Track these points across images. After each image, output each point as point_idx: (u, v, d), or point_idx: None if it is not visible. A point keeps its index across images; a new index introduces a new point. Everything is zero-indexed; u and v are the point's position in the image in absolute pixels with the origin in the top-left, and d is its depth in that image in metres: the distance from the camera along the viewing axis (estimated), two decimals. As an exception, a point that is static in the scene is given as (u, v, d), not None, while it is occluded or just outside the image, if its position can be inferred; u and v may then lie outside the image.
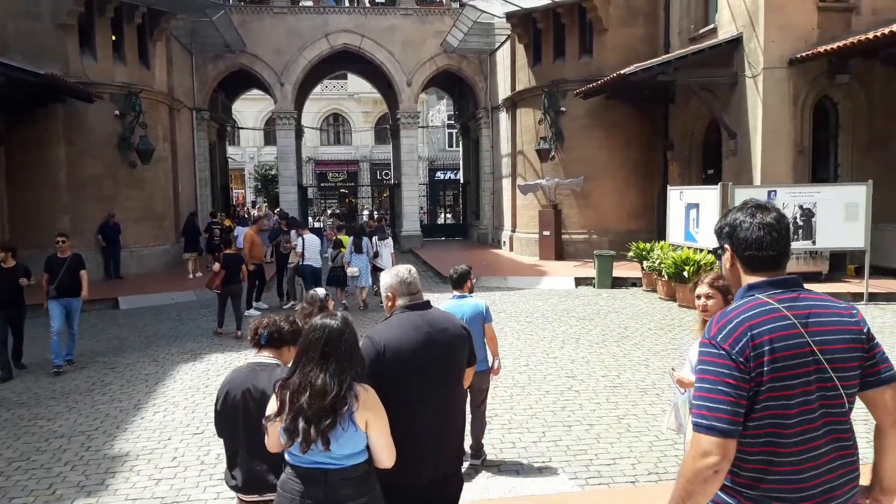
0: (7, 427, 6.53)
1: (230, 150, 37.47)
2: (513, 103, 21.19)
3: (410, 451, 2.72)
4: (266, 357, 3.11)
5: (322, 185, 42.04)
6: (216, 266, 10.54)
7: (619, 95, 18.02)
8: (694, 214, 13.78)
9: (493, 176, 24.19)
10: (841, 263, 14.13)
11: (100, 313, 13.11)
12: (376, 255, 13.20)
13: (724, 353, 1.86)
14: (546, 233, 18.50)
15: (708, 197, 13.42)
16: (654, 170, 18.87)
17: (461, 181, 31.21)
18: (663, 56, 16.47)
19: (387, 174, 40.52)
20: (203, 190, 23.36)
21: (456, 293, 5.37)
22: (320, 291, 4.68)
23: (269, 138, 38.95)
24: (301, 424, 2.44)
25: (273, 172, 37.49)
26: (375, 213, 25.04)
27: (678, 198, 14.37)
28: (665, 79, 15.21)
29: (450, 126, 41.98)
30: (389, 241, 13.83)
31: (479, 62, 24.21)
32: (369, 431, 2.52)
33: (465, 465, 4.90)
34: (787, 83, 14.29)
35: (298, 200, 25.05)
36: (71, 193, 16.74)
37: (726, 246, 2.07)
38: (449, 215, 33.99)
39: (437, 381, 2.93)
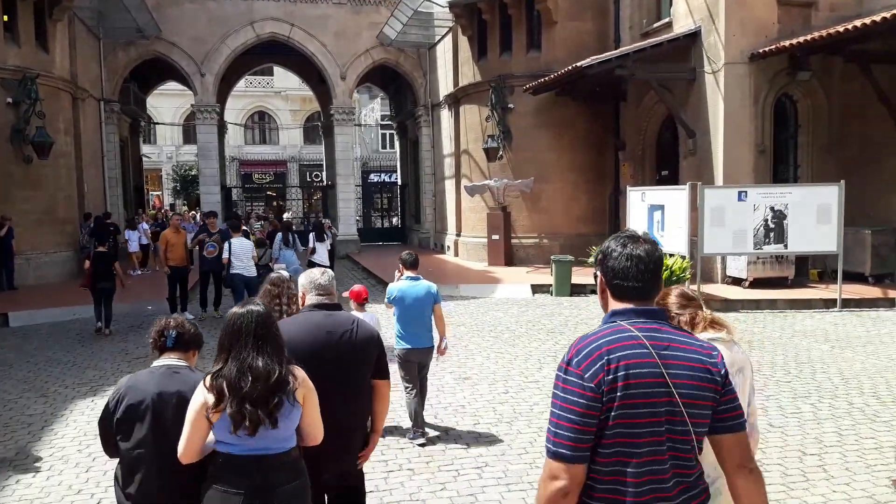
0: None
1: (146, 149, 34.76)
2: (456, 100, 20.00)
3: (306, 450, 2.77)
4: (174, 360, 2.84)
5: (247, 186, 39.68)
6: (86, 263, 10.51)
7: (570, 92, 17.14)
8: (658, 217, 12.93)
9: (435, 177, 22.91)
10: (804, 268, 13.60)
11: (-20, 333, 11.03)
12: (313, 251, 13.29)
13: (577, 378, 1.86)
14: (495, 237, 17.37)
15: (674, 198, 12.60)
16: (606, 171, 18.06)
17: (398, 183, 29.78)
18: (621, 49, 15.64)
19: (317, 175, 38.66)
20: (113, 190, 21.05)
21: (410, 274, 5.86)
22: (283, 273, 4.26)
23: (189, 136, 36.38)
24: (248, 408, 2.44)
25: (193, 173, 34.98)
26: (320, 216, 23.12)
27: (640, 199, 13.50)
28: (623, 73, 14.32)
29: (384, 126, 40.52)
30: (327, 241, 13.87)
31: (419, 56, 22.92)
32: (305, 407, 2.61)
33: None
34: (748, 79, 13.66)
35: (222, 202, 23.05)
36: (-49, 193, 14.39)
37: (597, 273, 2.10)
38: (384, 219, 32.46)
39: (335, 381, 2.99)
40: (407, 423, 5.91)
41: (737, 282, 13.15)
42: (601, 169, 18.06)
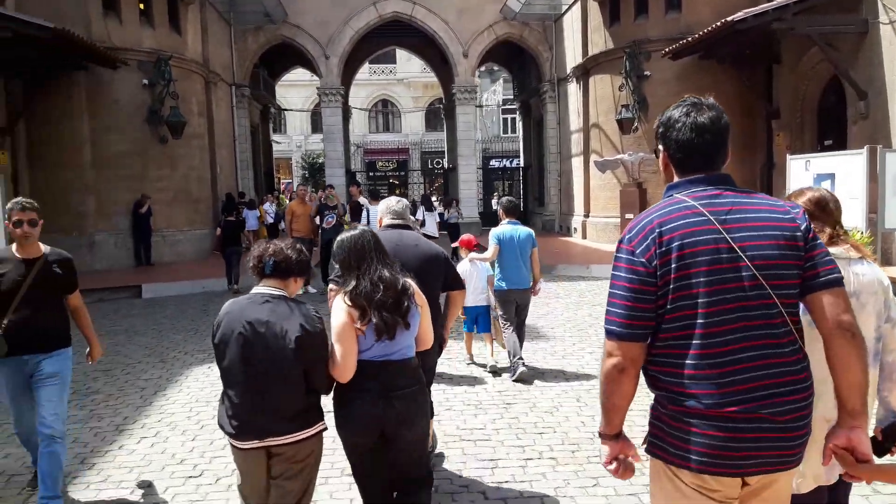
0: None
1: (276, 139, 35.95)
2: (585, 71, 18.71)
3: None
4: (270, 288, 2.72)
5: (371, 174, 40.17)
6: (218, 231, 12.08)
7: (715, 55, 15.41)
8: (827, 187, 11.15)
9: (561, 156, 21.71)
10: None
11: (119, 302, 11.31)
12: (422, 223, 13.53)
13: (628, 255, 1.82)
14: (629, 215, 15.98)
15: (848, 165, 10.80)
16: (756, 141, 16.16)
17: (521, 165, 28.77)
18: (776, 1, 13.80)
19: (438, 162, 38.41)
20: (244, 173, 21.59)
21: (509, 219, 6.27)
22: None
23: (317, 125, 37.20)
24: (385, 315, 2.68)
25: (321, 161, 35.74)
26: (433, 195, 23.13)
27: (803, 168, 11.73)
28: (780, 26, 12.54)
29: (505, 110, 39.63)
30: (435, 213, 14.52)
31: (544, 29, 21.75)
32: (423, 312, 2.88)
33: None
34: (939, 26, 11.51)
35: (346, 185, 23.07)
36: (96, 173, 15.05)
37: (660, 147, 1.99)
38: (505, 204, 31.53)
39: None
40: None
41: (926, 263, 11.11)
42: (751, 139, 16.17)
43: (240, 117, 21.13)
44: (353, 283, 2.73)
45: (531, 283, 6.32)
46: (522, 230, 6.23)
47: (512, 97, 31.67)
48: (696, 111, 1.89)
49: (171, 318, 9.55)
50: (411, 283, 2.84)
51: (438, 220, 14.52)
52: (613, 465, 1.97)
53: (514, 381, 5.93)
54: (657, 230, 1.79)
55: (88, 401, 5.73)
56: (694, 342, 1.78)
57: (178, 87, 15.59)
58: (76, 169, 14.87)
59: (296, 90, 37.80)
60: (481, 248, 6.79)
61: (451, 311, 3.87)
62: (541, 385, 5.86)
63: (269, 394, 2.59)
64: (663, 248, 1.78)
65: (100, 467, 4.36)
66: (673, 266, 1.77)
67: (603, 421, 1.96)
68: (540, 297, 10.09)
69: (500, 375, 6.14)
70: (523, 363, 6.03)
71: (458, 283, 3.79)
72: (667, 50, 15.35)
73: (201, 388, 6.00)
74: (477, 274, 6.44)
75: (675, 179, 1.94)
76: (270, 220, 19.22)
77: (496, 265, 6.27)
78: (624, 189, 16.45)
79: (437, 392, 5.66)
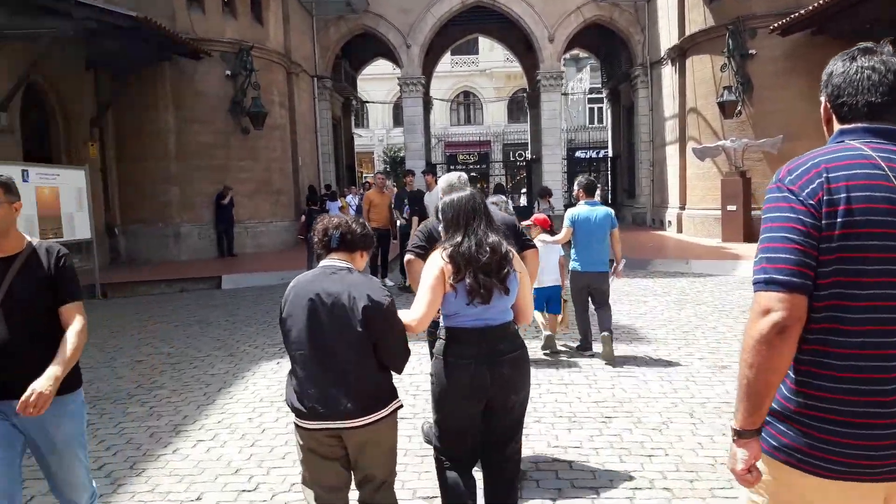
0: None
1: (359, 133, 36.02)
2: (681, 52, 17.43)
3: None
4: (337, 260, 2.62)
5: (451, 167, 39.64)
6: (302, 218, 12.45)
7: (830, 29, 13.89)
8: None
9: (653, 144, 20.43)
10: None
11: (200, 293, 11.22)
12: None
13: (791, 195, 1.53)
14: (731, 207, 14.73)
15: None
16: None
17: (608, 155, 27.52)
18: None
19: (520, 154, 37.51)
20: (326, 165, 21.50)
21: (588, 200, 6.09)
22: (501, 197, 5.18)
23: (399, 119, 37.03)
24: (483, 277, 2.60)
25: (402, 154, 35.61)
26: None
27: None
28: (914, -8, 11.07)
29: (591, 100, 38.23)
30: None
31: (636, 9, 20.51)
32: (521, 283, 2.77)
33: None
34: None
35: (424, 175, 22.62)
36: (180, 164, 15.17)
37: (822, 98, 1.71)
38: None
39: None
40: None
41: None
42: (872, 123, 14.54)
43: (321, 109, 21.04)
44: (458, 239, 2.67)
45: (610, 266, 6.14)
46: (600, 210, 6.03)
47: (599, 85, 30.38)
48: (865, 55, 1.64)
49: (246, 310, 9.26)
50: (512, 250, 2.77)
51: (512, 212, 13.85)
52: (752, 474, 1.59)
53: (577, 349, 6.25)
54: (824, 174, 1.51)
55: (151, 396, 5.37)
56: (849, 316, 1.49)
57: (259, 77, 15.52)
58: (161, 160, 15.03)
59: (378, 83, 37.77)
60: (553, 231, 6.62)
61: (531, 268, 3.73)
62: (645, 396, 5.06)
63: (337, 368, 2.46)
64: (830, 197, 1.49)
65: (149, 474, 3.92)
66: (839, 221, 1.48)
67: (742, 409, 1.55)
68: (637, 295, 9.24)
69: (557, 355, 6.20)
70: (590, 346, 6.16)
71: (530, 243, 3.91)
72: (775, 25, 13.97)
73: (268, 385, 5.55)
74: (548, 255, 6.19)
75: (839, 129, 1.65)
76: (353, 213, 19.00)
77: (572, 246, 6.11)
78: (725, 178, 15.15)
79: (525, 400, 4.98)
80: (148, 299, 10.75)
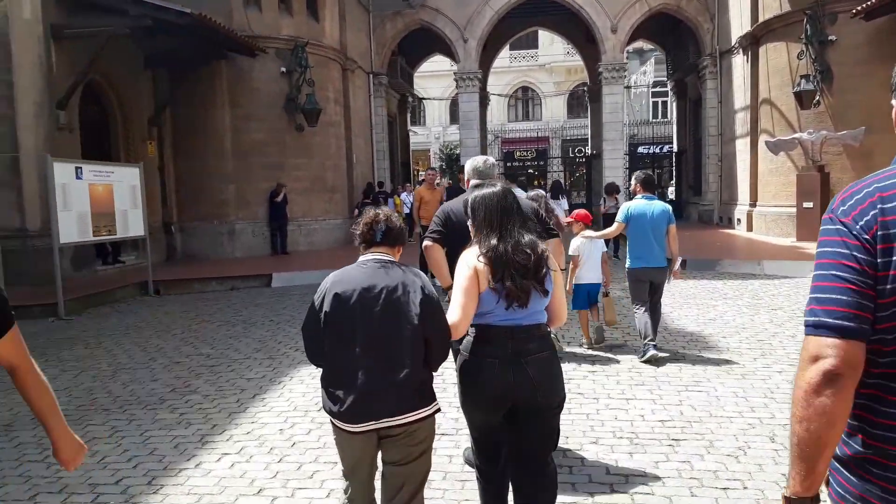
0: None
1: (415, 130, 35.81)
2: (754, 40, 16.41)
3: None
4: (382, 254, 2.58)
5: (508, 164, 38.99)
6: (355, 212, 11.47)
7: (922, 11, 12.78)
8: None
9: (722, 138, 19.38)
10: None
11: (249, 291, 11.10)
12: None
13: (843, 227, 1.34)
14: (808, 204, 13.73)
15: None
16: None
17: (673, 150, 26.43)
18: None
19: (580, 151, 36.55)
20: (381, 163, 21.31)
21: (645, 194, 5.82)
22: (541, 191, 5.81)
23: (455, 117, 36.66)
24: (521, 281, 2.50)
25: (458, 151, 35.25)
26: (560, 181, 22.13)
27: None
28: None
29: (655, 94, 36.96)
30: (563, 201, 13.80)
31: (705, -3, 19.53)
32: (556, 280, 2.65)
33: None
34: None
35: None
36: (236, 161, 15.17)
37: (892, 101, 1.51)
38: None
39: None
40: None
41: None
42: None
43: (377, 106, 20.84)
44: (494, 242, 2.55)
45: (667, 262, 5.85)
46: (657, 205, 5.81)
47: (664, 78, 29.26)
48: None
49: (291, 310, 9.02)
50: (547, 249, 2.67)
51: (567, 208, 13.31)
52: None
53: (641, 361, 5.66)
54: (878, 205, 1.31)
55: (183, 402, 5.12)
56: None
57: (314, 74, 15.38)
58: (217, 158, 15.06)
59: (434, 80, 37.51)
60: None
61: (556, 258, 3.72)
62: (717, 415, 4.49)
63: (390, 364, 2.40)
64: (886, 232, 1.29)
65: (166, 492, 3.62)
66: (894, 260, 1.27)
67: (794, 472, 1.36)
68: (704, 298, 8.56)
69: (599, 344, 6.17)
70: (654, 346, 5.65)
71: (555, 232, 3.81)
72: (857, 9, 12.96)
73: (303, 393, 5.22)
74: (591, 251, 6.20)
75: None
76: (407, 211, 18.71)
77: (628, 242, 5.91)
78: (802, 174, 14.16)
79: (575, 414, 4.48)
80: (199, 297, 10.67)
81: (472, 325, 2.60)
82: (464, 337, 2.63)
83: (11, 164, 10.75)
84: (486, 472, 2.78)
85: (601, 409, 4.61)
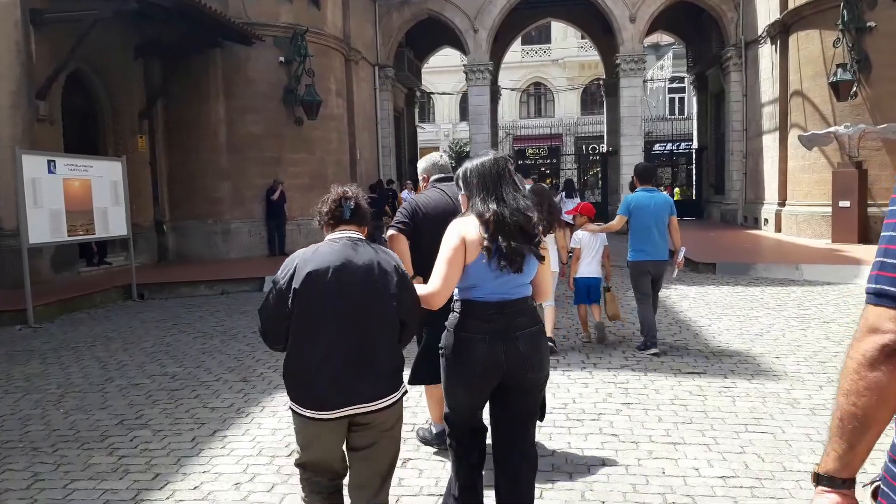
0: None
1: (423, 127, 34.92)
2: (783, 28, 15.38)
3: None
4: (353, 232, 2.47)
5: (520, 161, 38.00)
6: None
7: (972, -7, 11.74)
8: None
9: (746, 134, 18.33)
10: None
11: (238, 296, 10.22)
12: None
13: None
14: (844, 203, 12.71)
15: None
16: None
17: (693, 147, 25.37)
18: None
19: (594, 148, 35.54)
20: (386, 159, 20.41)
21: (644, 187, 5.84)
22: (545, 185, 6.08)
23: (465, 113, 35.74)
24: (513, 245, 2.44)
25: (468, 149, 34.31)
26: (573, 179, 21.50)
27: None
28: None
29: (672, 90, 35.87)
30: (577, 200, 13.52)
31: (729, -16, 18.48)
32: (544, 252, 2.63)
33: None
34: None
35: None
36: (231, 156, 14.32)
37: None
38: (671, 193, 28.12)
39: None
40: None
41: None
42: None
43: (382, 100, 19.96)
44: (494, 206, 2.46)
45: (669, 254, 5.88)
46: (659, 197, 5.83)
47: (682, 73, 28.22)
48: None
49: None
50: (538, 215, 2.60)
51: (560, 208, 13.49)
52: None
53: (638, 350, 5.80)
54: None
55: (127, 440, 4.22)
56: None
57: (315, 64, 14.51)
58: (211, 152, 14.23)
59: (443, 76, 36.60)
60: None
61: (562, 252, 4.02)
62: (793, 468, 3.53)
63: (367, 347, 2.30)
64: None
65: (70, 581, 2.72)
66: None
67: (831, 448, 1.20)
68: (744, 309, 7.62)
69: (603, 342, 6.12)
70: (656, 348, 5.69)
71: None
72: (902, -9, 11.91)
73: (273, 430, 4.30)
74: (592, 244, 6.14)
75: None
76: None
77: (630, 235, 5.83)
78: (838, 170, 13.13)
79: (610, 466, 3.53)
80: (184, 302, 9.82)
81: (457, 301, 2.53)
82: (443, 311, 2.52)
83: (-18, 158, 9.93)
84: (465, 446, 2.67)
85: (643, 459, 3.65)
